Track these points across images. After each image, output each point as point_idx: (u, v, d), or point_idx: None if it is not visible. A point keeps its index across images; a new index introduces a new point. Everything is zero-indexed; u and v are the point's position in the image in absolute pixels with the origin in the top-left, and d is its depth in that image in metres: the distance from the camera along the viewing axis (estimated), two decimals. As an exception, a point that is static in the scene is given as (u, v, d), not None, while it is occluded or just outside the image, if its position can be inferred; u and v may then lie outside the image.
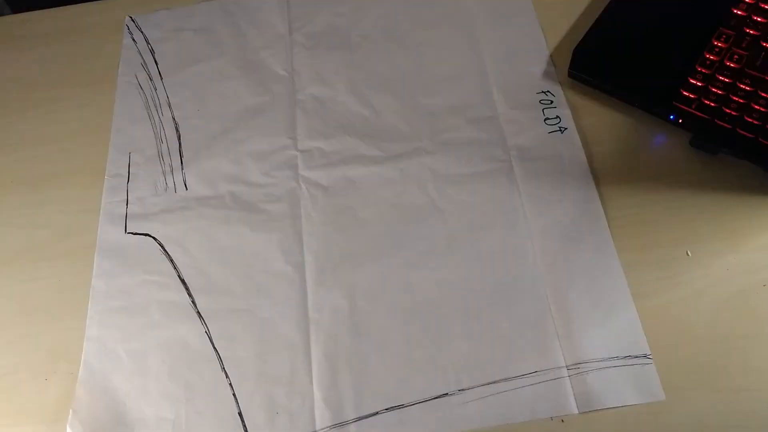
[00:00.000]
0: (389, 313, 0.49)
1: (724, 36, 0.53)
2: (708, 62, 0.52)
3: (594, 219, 0.50)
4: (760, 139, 0.49)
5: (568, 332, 0.46)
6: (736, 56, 0.52)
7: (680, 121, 0.52)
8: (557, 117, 0.55)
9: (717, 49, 0.53)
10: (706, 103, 0.51)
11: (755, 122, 0.49)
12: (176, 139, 0.59)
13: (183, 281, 0.52)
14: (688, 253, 0.48)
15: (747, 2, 0.54)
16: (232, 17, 0.66)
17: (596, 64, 0.55)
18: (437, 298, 0.49)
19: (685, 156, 0.52)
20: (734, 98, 0.50)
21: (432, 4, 0.64)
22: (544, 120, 0.55)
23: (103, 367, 0.49)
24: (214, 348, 0.49)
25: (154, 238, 0.54)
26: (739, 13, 0.54)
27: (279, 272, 0.51)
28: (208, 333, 0.50)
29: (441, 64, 0.60)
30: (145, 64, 0.64)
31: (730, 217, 0.49)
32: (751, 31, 0.53)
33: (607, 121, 0.55)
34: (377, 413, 0.45)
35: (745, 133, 0.49)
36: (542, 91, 0.57)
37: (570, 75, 0.56)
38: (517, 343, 0.46)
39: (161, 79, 0.63)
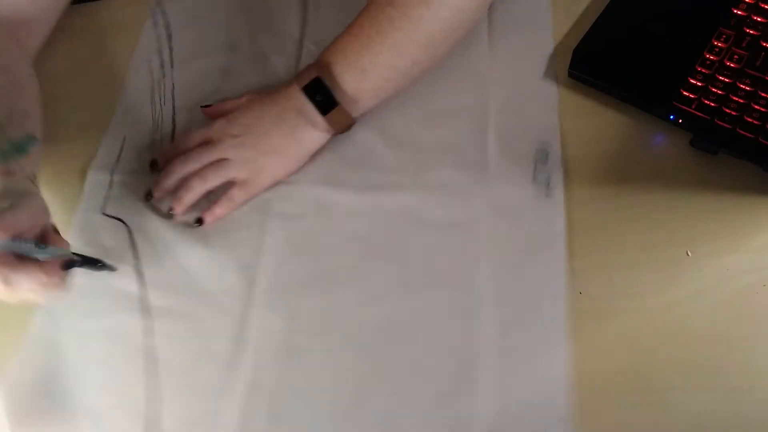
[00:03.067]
0: (325, 349, 0.47)
1: (724, 36, 0.53)
2: (708, 62, 0.52)
3: (553, 298, 0.47)
4: (760, 139, 0.49)
5: (495, 413, 0.44)
6: (736, 56, 0.52)
7: (680, 121, 0.52)
8: (548, 177, 0.51)
9: (717, 49, 0.53)
10: (706, 103, 0.51)
11: (755, 122, 0.49)
12: (171, 130, 0.59)
13: (140, 273, 0.52)
14: (688, 253, 0.48)
15: (747, 2, 0.54)
16: (252, 14, 0.65)
17: (596, 64, 0.55)
18: (377, 343, 0.47)
19: (685, 156, 0.52)
20: (734, 98, 0.50)
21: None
22: (533, 178, 0.52)
23: (46, 340, 0.49)
24: (152, 346, 0.48)
25: (126, 224, 0.54)
26: (739, 13, 0.54)
27: (230, 284, 0.50)
28: (151, 329, 0.49)
29: (447, 96, 0.57)
30: (161, 50, 0.64)
31: (730, 217, 0.49)
32: (751, 31, 0.53)
33: (607, 121, 0.55)
34: None
35: (745, 133, 0.49)
36: (541, 143, 0.53)
37: (570, 75, 0.56)
38: (436, 413, 0.44)
39: (171, 67, 0.63)
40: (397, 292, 0.49)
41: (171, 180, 0.53)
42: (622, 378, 0.44)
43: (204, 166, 0.53)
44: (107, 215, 0.55)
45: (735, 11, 0.54)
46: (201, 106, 0.58)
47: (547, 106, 0.55)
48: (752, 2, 0.54)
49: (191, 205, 0.53)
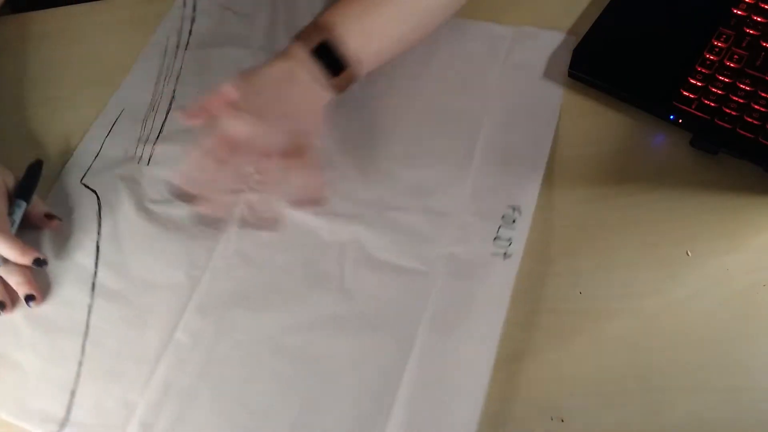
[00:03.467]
0: (244, 365, 0.47)
1: (724, 36, 0.53)
2: (708, 62, 0.52)
3: (478, 361, 0.45)
4: (760, 139, 0.49)
5: None
6: (736, 56, 0.52)
7: (680, 121, 0.52)
8: (509, 240, 0.49)
9: (717, 49, 0.53)
10: (706, 103, 0.51)
11: (755, 122, 0.49)
12: (165, 113, 0.60)
13: (98, 248, 0.53)
14: (688, 253, 0.48)
15: (747, 2, 0.54)
16: (277, 13, 0.65)
17: (596, 64, 0.55)
18: (293, 375, 0.46)
19: (685, 156, 0.52)
20: (734, 98, 0.50)
21: (462, 76, 0.59)
22: (495, 238, 0.50)
23: None
24: (87, 325, 0.50)
25: (98, 197, 0.55)
26: (739, 13, 0.54)
27: (175, 282, 0.51)
28: (90, 306, 0.50)
29: (438, 137, 0.56)
30: (181, 31, 0.65)
31: (730, 217, 0.49)
32: (751, 31, 0.53)
33: (607, 121, 0.55)
34: None
35: (745, 133, 0.49)
36: (512, 207, 0.51)
37: (570, 75, 0.56)
38: None
39: (185, 49, 0.63)
40: (327, 324, 0.48)
41: (221, 201, 0.51)
42: (621, 378, 0.44)
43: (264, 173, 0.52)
44: (84, 185, 0.57)
45: (735, 11, 0.54)
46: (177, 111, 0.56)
47: (538, 170, 0.53)
48: (752, 2, 0.54)
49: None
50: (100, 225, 0.54)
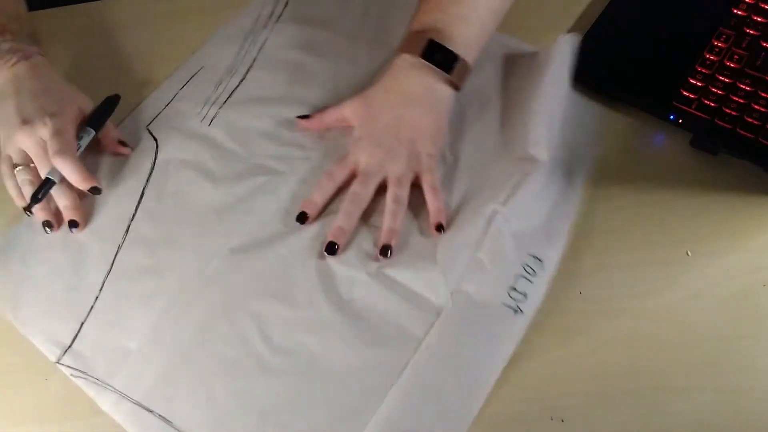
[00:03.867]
0: (233, 345, 0.47)
1: (724, 36, 0.53)
2: (708, 62, 0.52)
3: (462, 415, 0.44)
4: (760, 139, 0.49)
5: None
6: (736, 56, 0.52)
7: (680, 121, 0.52)
8: (525, 294, 0.47)
9: (717, 49, 0.53)
10: (706, 103, 0.51)
11: (755, 122, 0.49)
12: (239, 79, 0.60)
13: (142, 194, 0.55)
14: (688, 253, 0.48)
15: (747, 2, 0.54)
16: (373, 6, 0.64)
17: (596, 64, 0.55)
18: (278, 366, 0.46)
19: (685, 156, 0.52)
20: (734, 98, 0.50)
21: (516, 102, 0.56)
22: (511, 287, 0.47)
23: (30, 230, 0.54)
24: (112, 263, 0.52)
25: (157, 145, 0.57)
26: (739, 13, 0.54)
27: (197, 244, 0.52)
28: (119, 246, 0.52)
29: (483, 167, 0.54)
30: (278, 1, 0.66)
31: (730, 217, 0.49)
32: (751, 31, 0.53)
33: (607, 121, 0.55)
34: (143, 406, 0.46)
35: (745, 133, 0.49)
36: (535, 257, 0.49)
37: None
38: None
39: (276, 21, 0.64)
40: (325, 326, 0.48)
41: (351, 224, 0.50)
42: (621, 378, 0.44)
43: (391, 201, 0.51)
44: (149, 130, 0.58)
45: (735, 11, 0.54)
46: (297, 117, 0.56)
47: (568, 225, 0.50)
48: (752, 2, 0.54)
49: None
50: (151, 172, 0.56)
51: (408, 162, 0.51)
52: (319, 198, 0.52)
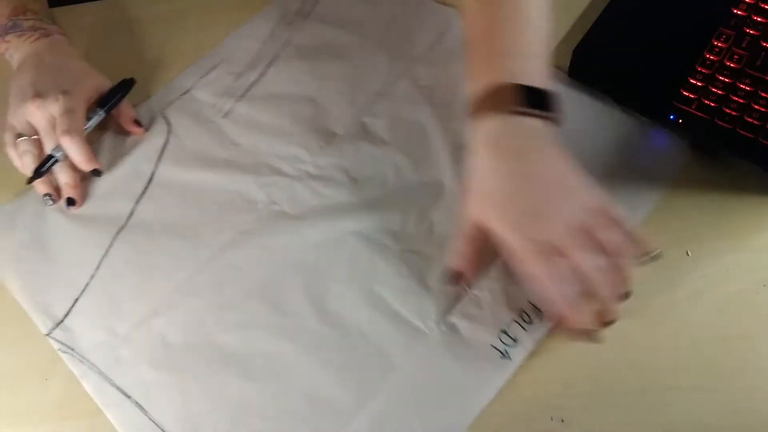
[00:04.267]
0: (212, 343, 0.48)
1: (724, 36, 0.53)
2: (708, 62, 0.52)
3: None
4: (760, 139, 0.49)
5: None
6: (736, 56, 0.52)
7: (680, 121, 0.52)
8: (515, 340, 0.46)
9: (717, 49, 0.53)
10: (706, 104, 0.51)
11: (755, 122, 0.49)
12: (259, 74, 0.61)
13: (151, 178, 0.55)
14: (688, 253, 0.48)
15: (747, 2, 0.54)
16: (397, 5, 0.64)
17: (596, 64, 0.55)
18: (252, 371, 0.46)
19: (685, 156, 0.52)
20: (734, 98, 0.50)
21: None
22: (502, 330, 0.46)
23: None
24: (111, 244, 0.53)
25: (169, 131, 0.58)
26: (739, 13, 0.54)
27: (197, 237, 0.52)
28: (121, 228, 0.53)
29: None
30: None
31: (730, 217, 0.49)
32: (751, 31, 0.53)
33: (607, 121, 0.54)
34: (122, 391, 0.47)
35: (745, 133, 0.49)
36: (535, 306, 0.46)
37: (570, 75, 0.56)
38: None
39: (304, 18, 0.64)
40: (302, 337, 0.47)
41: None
42: (621, 378, 0.44)
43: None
44: (163, 116, 0.59)
45: (735, 11, 0.54)
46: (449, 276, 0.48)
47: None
48: (752, 2, 0.54)
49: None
50: (160, 157, 0.57)
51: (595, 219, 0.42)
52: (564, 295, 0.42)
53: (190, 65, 0.62)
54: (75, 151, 0.53)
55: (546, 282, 0.41)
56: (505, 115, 0.43)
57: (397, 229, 0.51)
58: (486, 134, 0.44)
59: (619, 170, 0.52)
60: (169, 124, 0.59)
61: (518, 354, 0.45)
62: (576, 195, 0.43)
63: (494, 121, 0.44)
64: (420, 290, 0.48)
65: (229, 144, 0.57)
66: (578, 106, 0.55)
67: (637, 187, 0.51)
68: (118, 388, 0.47)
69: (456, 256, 0.46)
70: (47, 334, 0.50)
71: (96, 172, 0.55)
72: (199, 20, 0.66)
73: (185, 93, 0.61)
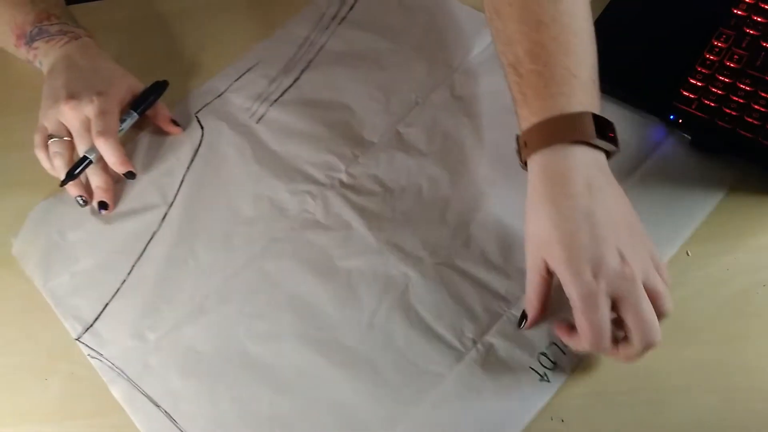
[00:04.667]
0: (242, 354, 0.47)
1: (724, 36, 0.53)
2: (708, 62, 0.52)
3: None
4: (760, 139, 0.49)
5: None
6: (736, 56, 0.52)
7: (680, 121, 0.52)
8: (555, 363, 0.44)
9: (717, 49, 0.53)
10: (706, 104, 0.51)
11: (755, 122, 0.49)
12: (293, 79, 0.60)
13: (182, 180, 0.55)
14: (688, 253, 0.48)
15: (747, 2, 0.54)
16: (435, 17, 0.62)
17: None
18: (278, 380, 0.46)
19: (685, 156, 0.52)
20: (734, 98, 0.50)
21: None
22: (541, 353, 0.45)
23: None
24: (144, 249, 0.52)
25: (202, 134, 0.57)
26: (739, 13, 0.54)
27: (228, 244, 0.52)
28: (154, 234, 0.53)
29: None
30: (344, 2, 0.64)
31: (730, 217, 0.49)
32: (751, 31, 0.53)
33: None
34: (151, 399, 0.47)
35: (745, 133, 0.49)
36: (553, 343, 0.45)
37: (570, 75, 0.56)
38: None
39: (339, 23, 0.63)
40: (337, 352, 0.47)
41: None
42: (621, 378, 0.44)
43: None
44: (197, 118, 0.59)
45: (735, 11, 0.54)
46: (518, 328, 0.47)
47: None
48: (752, 2, 0.54)
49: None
50: (192, 160, 0.56)
51: (645, 263, 0.40)
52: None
53: (225, 66, 0.62)
54: (110, 152, 0.52)
55: (588, 333, 0.39)
56: (566, 145, 0.40)
57: (432, 242, 0.50)
58: (543, 167, 0.41)
59: (619, 170, 0.52)
60: (202, 127, 0.58)
61: (558, 378, 0.44)
62: (641, 241, 0.40)
63: (553, 153, 0.41)
64: (456, 306, 0.47)
65: (262, 149, 0.56)
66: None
67: (638, 186, 0.51)
68: (147, 396, 0.46)
69: (530, 305, 0.44)
70: (77, 339, 0.49)
71: (130, 175, 0.54)
72: (234, 19, 0.66)
73: (219, 96, 0.60)
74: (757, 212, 0.49)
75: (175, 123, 0.57)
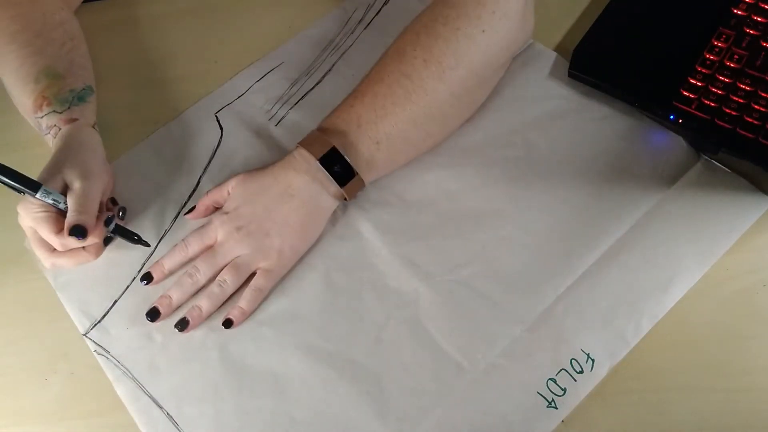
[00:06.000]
0: (241, 362, 0.47)
1: (724, 36, 0.53)
2: (708, 62, 0.52)
3: None
4: (760, 139, 0.49)
5: None
6: (736, 56, 0.52)
7: (680, 121, 0.52)
8: (564, 390, 0.44)
9: (717, 49, 0.53)
10: (706, 103, 0.51)
11: (755, 122, 0.49)
12: (315, 82, 0.60)
13: (198, 182, 0.55)
14: (688, 253, 0.48)
15: (747, 2, 0.54)
16: None
17: (596, 64, 0.55)
18: (280, 394, 0.46)
19: (685, 156, 0.52)
20: (734, 98, 0.50)
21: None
22: (549, 379, 0.44)
23: None
24: (156, 246, 0.52)
25: (221, 135, 0.57)
26: (739, 13, 0.54)
27: None
28: (165, 231, 0.53)
29: (555, 227, 0.50)
30: (371, 6, 0.63)
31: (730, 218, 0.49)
32: (751, 31, 0.53)
33: (607, 120, 0.54)
34: (155, 401, 0.47)
35: (745, 133, 0.49)
36: (587, 354, 0.45)
37: (570, 75, 0.56)
38: None
39: (365, 27, 0.62)
40: (341, 366, 0.46)
41: (181, 297, 0.49)
42: (622, 377, 0.44)
43: (218, 272, 0.49)
44: (217, 118, 0.58)
45: (735, 11, 0.54)
46: (184, 214, 0.53)
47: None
48: (752, 2, 0.54)
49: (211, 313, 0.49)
50: (210, 161, 0.56)
51: (255, 253, 0.49)
52: (168, 264, 0.50)
53: (247, 66, 0.61)
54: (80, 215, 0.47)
55: (185, 250, 0.51)
56: (310, 157, 0.49)
57: (446, 258, 0.49)
58: (289, 157, 0.51)
59: (620, 170, 0.52)
60: (221, 128, 0.58)
61: (566, 405, 0.43)
62: (277, 239, 0.49)
63: (300, 155, 0.50)
64: (466, 325, 0.46)
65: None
66: (578, 107, 0.55)
67: (638, 186, 0.51)
68: (151, 397, 0.46)
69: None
70: (84, 334, 0.49)
71: (77, 230, 0.46)
72: (257, 18, 0.65)
73: (240, 96, 0.59)
74: (758, 212, 0.49)
75: (76, 232, 0.46)
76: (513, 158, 0.53)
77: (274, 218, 0.49)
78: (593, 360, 0.45)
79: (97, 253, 0.50)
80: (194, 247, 0.51)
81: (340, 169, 0.49)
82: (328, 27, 0.63)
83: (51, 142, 0.52)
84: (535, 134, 0.54)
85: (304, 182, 0.49)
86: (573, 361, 0.45)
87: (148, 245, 0.52)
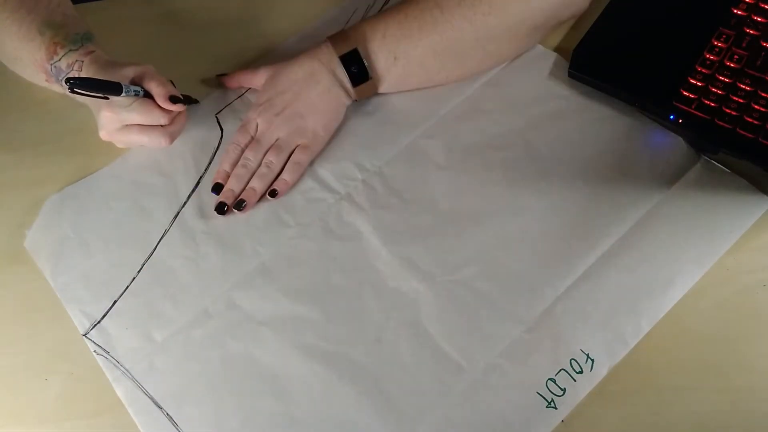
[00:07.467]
0: (248, 359, 0.47)
1: (724, 36, 0.53)
2: (708, 62, 0.52)
3: None
4: (760, 139, 0.49)
5: None
6: (736, 56, 0.52)
7: (680, 121, 0.52)
8: (564, 390, 0.44)
9: (717, 49, 0.53)
10: (706, 103, 0.51)
11: (755, 122, 0.49)
12: None
13: (198, 182, 0.55)
14: (688, 253, 0.48)
15: (747, 2, 0.54)
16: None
17: (596, 64, 0.55)
18: (275, 390, 0.46)
19: (685, 156, 0.52)
20: (734, 98, 0.50)
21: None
22: (549, 379, 0.44)
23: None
24: (155, 248, 0.52)
25: (221, 136, 0.58)
26: (739, 13, 0.54)
27: (239, 249, 0.52)
28: (165, 232, 0.53)
29: (554, 230, 0.49)
30: (372, 6, 0.63)
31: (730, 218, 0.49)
32: (751, 31, 0.53)
33: (607, 121, 0.54)
34: (154, 401, 0.47)
35: (745, 133, 0.49)
36: (586, 354, 0.45)
37: (570, 75, 0.56)
38: None
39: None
40: (340, 367, 0.46)
41: (240, 186, 0.54)
42: (621, 377, 0.44)
43: (263, 156, 0.55)
44: (217, 119, 0.59)
45: (735, 11, 0.54)
46: (217, 75, 0.60)
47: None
48: (752, 2, 0.54)
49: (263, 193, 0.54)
50: (210, 161, 0.57)
51: (292, 134, 0.54)
52: (228, 166, 0.55)
53: (247, 66, 0.61)
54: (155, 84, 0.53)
55: (237, 147, 0.56)
56: (333, 54, 0.54)
57: (446, 258, 0.49)
58: (316, 48, 0.55)
59: (619, 170, 0.52)
60: (221, 128, 0.58)
61: (566, 405, 0.43)
62: (310, 118, 0.55)
63: (326, 47, 0.54)
64: (466, 325, 0.46)
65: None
66: (578, 107, 0.55)
67: (638, 186, 0.51)
68: (150, 397, 0.46)
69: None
70: (84, 335, 0.49)
71: (189, 100, 0.56)
72: (259, 18, 0.65)
73: (241, 96, 0.60)
74: (758, 212, 0.49)
75: (175, 100, 0.53)
76: (513, 158, 0.53)
77: (304, 101, 0.54)
78: (593, 360, 0.45)
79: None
80: (242, 140, 0.55)
81: (356, 69, 0.53)
82: (328, 27, 0.62)
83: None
84: (535, 135, 0.54)
85: (326, 72, 0.54)
86: (572, 361, 0.45)
87: (197, 101, 0.58)
